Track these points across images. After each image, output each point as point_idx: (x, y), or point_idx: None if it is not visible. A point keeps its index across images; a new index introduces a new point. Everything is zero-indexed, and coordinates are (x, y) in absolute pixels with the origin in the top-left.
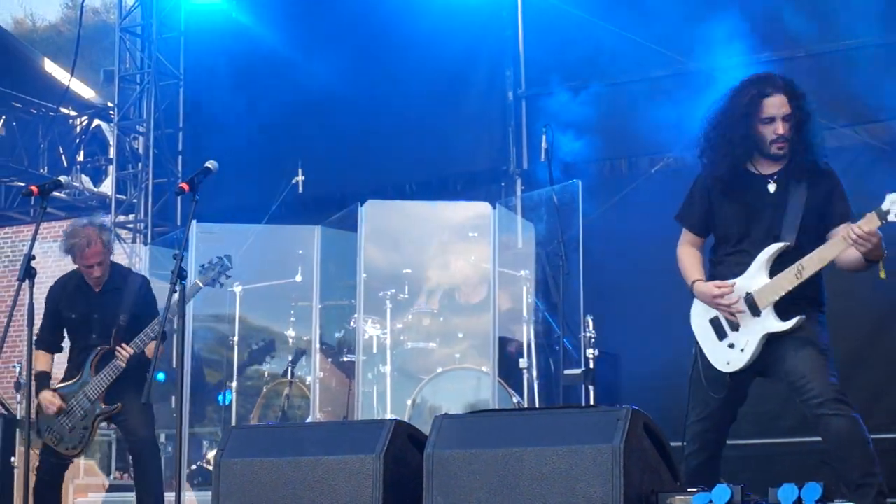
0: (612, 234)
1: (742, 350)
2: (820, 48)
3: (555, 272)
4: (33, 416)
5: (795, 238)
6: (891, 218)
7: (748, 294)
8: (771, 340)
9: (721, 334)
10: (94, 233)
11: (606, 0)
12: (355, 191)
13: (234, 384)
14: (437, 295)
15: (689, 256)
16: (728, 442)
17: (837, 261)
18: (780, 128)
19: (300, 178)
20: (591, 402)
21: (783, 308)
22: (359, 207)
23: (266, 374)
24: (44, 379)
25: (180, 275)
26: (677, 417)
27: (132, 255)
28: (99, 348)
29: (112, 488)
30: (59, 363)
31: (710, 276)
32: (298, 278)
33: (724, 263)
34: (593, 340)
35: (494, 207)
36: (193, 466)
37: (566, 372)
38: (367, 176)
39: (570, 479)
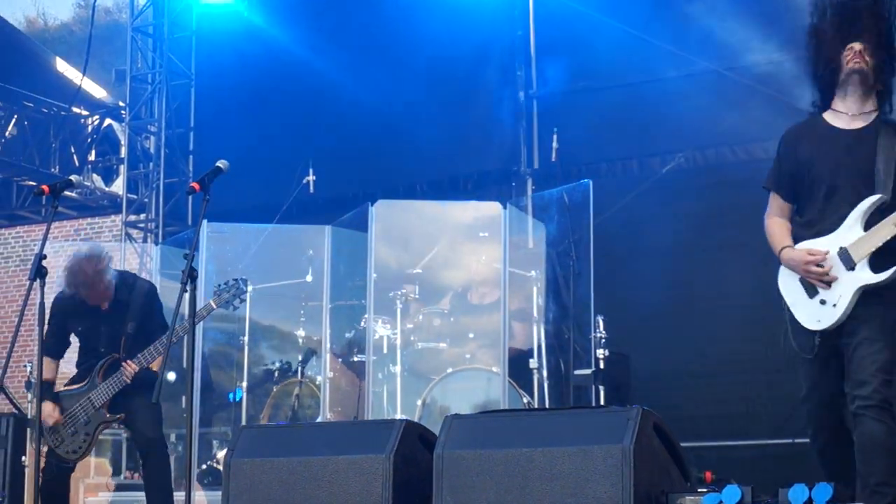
0: (623, 234)
1: (834, 305)
2: None
3: (565, 272)
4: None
5: (891, 191)
6: None
7: (842, 248)
8: (863, 303)
9: (812, 292)
10: (90, 270)
11: (619, 0)
12: (366, 191)
13: (245, 384)
14: (447, 295)
15: (777, 225)
16: (739, 442)
17: None
18: (860, 48)
19: (311, 177)
20: (602, 403)
21: (878, 264)
22: (369, 207)
23: (276, 373)
24: (47, 388)
25: (191, 275)
26: (687, 417)
27: (143, 254)
28: (109, 357)
29: (122, 487)
30: (68, 359)
31: (799, 238)
32: (309, 278)
33: (813, 226)
34: (603, 341)
35: (505, 207)
36: (204, 466)
37: (576, 372)
38: (378, 176)
39: (580, 480)
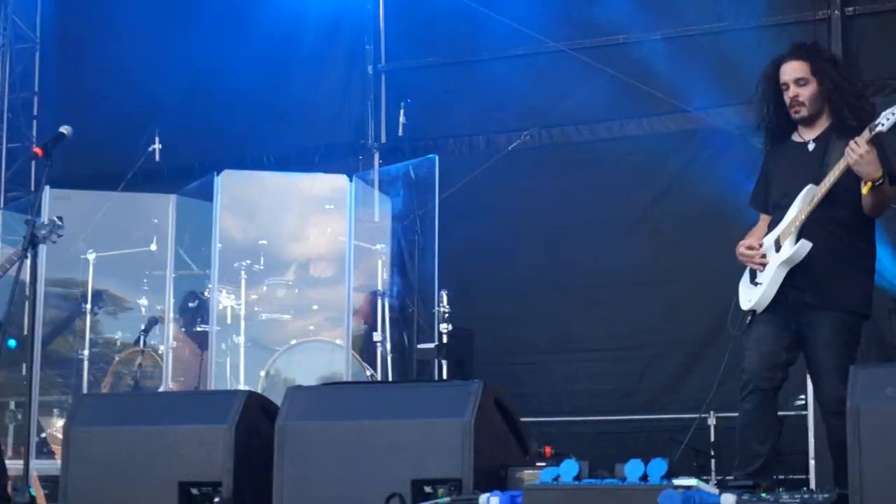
0: (469, 210)
1: (760, 283)
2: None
3: (410, 247)
4: None
5: (830, 186)
6: (878, 129)
7: (776, 237)
8: (798, 291)
9: (753, 277)
10: None
11: None
12: (213, 161)
13: (87, 353)
14: (292, 267)
15: (753, 232)
16: (581, 418)
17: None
18: (792, 91)
19: (157, 146)
20: (444, 377)
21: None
22: (215, 177)
23: (118, 342)
24: None
25: (32, 241)
26: (529, 393)
27: None
28: None
29: None
30: None
31: None
32: (153, 247)
33: (770, 228)
34: (447, 315)
35: (351, 180)
36: (43, 435)
37: (420, 346)
38: (226, 146)
39: (422, 452)
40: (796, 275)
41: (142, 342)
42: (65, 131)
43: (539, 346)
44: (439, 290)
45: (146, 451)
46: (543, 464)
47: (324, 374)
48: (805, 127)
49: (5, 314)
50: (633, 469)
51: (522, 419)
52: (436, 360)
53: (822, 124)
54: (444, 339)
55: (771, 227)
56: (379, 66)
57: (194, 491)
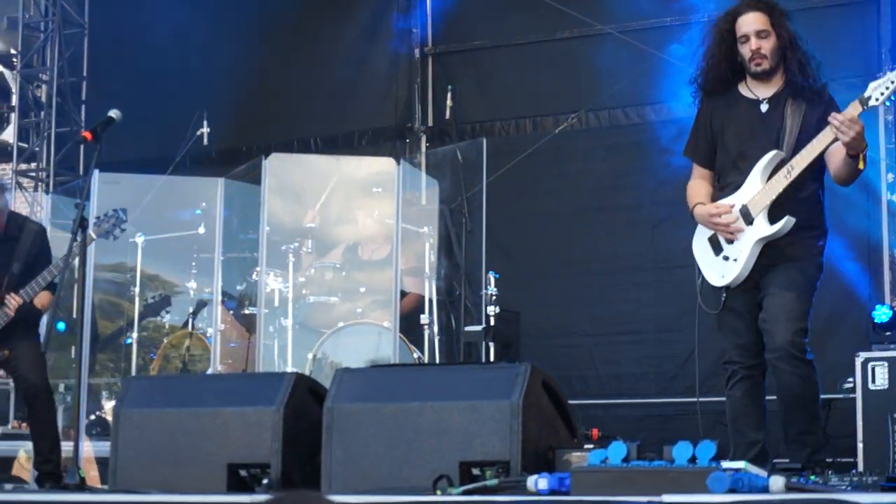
0: (516, 192)
1: (735, 260)
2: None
3: (457, 229)
4: None
5: (792, 152)
6: (871, 103)
7: (743, 205)
8: (766, 257)
9: (717, 249)
10: None
11: None
12: (260, 144)
13: (135, 335)
14: (339, 249)
15: (695, 186)
16: (626, 401)
17: (829, 165)
18: (754, 44)
19: (205, 130)
20: (491, 359)
21: (776, 216)
22: (263, 160)
23: (167, 325)
24: None
25: (81, 224)
26: (576, 376)
27: (34, 203)
28: None
29: (9, 437)
30: None
31: (715, 201)
32: (201, 230)
33: (725, 188)
34: (494, 298)
35: (399, 163)
36: (92, 416)
37: (467, 329)
38: (273, 130)
39: (469, 434)
40: (765, 246)
41: (190, 325)
42: (114, 115)
43: (584, 328)
44: (486, 272)
45: (195, 432)
46: (591, 446)
47: (371, 357)
48: (758, 81)
49: (56, 298)
50: (681, 451)
51: (568, 402)
52: (483, 343)
53: (777, 82)
54: (492, 322)
55: (724, 187)
56: (426, 49)
57: (243, 473)
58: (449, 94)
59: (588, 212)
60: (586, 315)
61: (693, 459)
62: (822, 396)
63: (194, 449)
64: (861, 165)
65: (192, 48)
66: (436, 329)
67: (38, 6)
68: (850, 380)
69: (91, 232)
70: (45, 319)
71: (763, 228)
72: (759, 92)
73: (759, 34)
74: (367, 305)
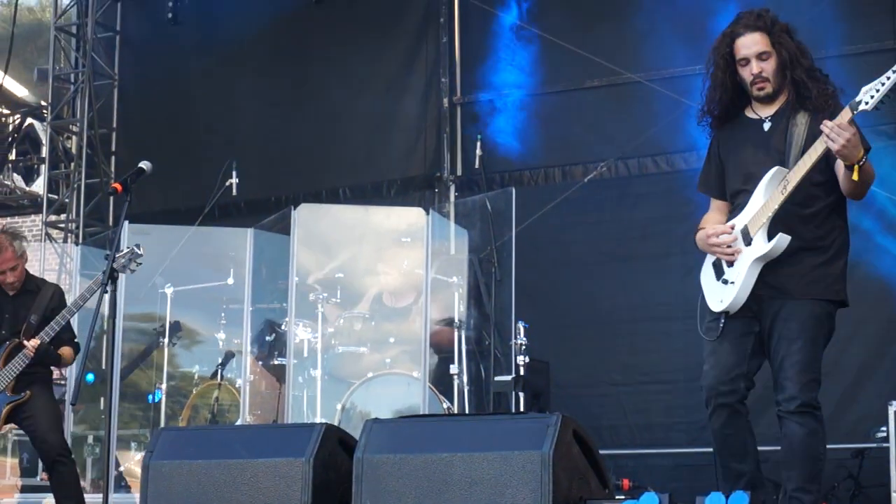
0: (545, 242)
1: (732, 283)
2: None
3: (487, 279)
4: None
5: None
6: (861, 107)
7: (743, 227)
8: (768, 287)
9: (719, 273)
10: (5, 240)
11: (543, 9)
12: (289, 195)
13: (164, 386)
14: (368, 300)
15: (706, 217)
16: (658, 451)
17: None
18: (755, 67)
19: (234, 180)
20: (521, 409)
21: (774, 235)
22: (292, 211)
23: (196, 376)
24: None
25: (112, 275)
26: (606, 425)
27: (63, 255)
28: (8, 343)
29: (38, 489)
30: None
31: None
32: (230, 281)
33: (733, 211)
34: (524, 347)
35: (428, 213)
36: (120, 469)
37: (496, 378)
38: (302, 180)
39: (500, 485)
40: (764, 268)
41: (219, 376)
42: (144, 167)
43: (614, 377)
44: (516, 322)
45: (224, 484)
46: (623, 497)
47: (400, 407)
48: (760, 103)
49: (86, 348)
50: (714, 502)
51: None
52: (512, 393)
53: (781, 99)
54: (521, 372)
55: (733, 210)
56: (454, 99)
57: None
58: (478, 144)
59: (617, 261)
60: (616, 364)
61: None
62: (856, 446)
63: (224, 501)
64: (855, 177)
65: (221, 99)
66: (465, 379)
67: (69, 58)
68: (884, 429)
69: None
70: (73, 371)
71: (759, 247)
72: (761, 112)
73: (760, 56)
74: (396, 356)
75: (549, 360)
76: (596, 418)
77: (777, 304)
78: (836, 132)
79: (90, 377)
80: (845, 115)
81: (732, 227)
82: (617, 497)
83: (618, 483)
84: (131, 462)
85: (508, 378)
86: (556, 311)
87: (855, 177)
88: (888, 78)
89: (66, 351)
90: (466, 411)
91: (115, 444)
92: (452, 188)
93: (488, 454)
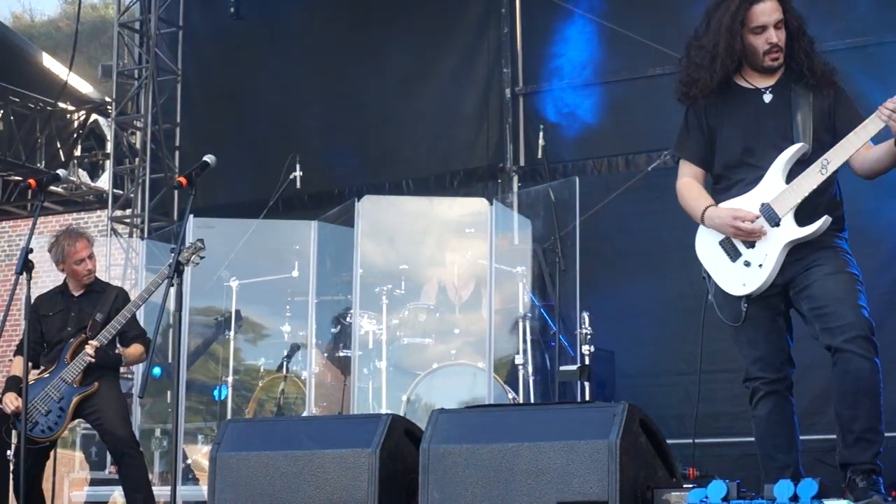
0: (609, 231)
1: (760, 266)
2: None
3: (551, 269)
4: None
5: (812, 145)
6: None
7: (764, 204)
8: (794, 259)
9: (734, 255)
10: (74, 232)
11: None
12: (353, 186)
13: (230, 379)
14: (433, 291)
15: (691, 188)
16: (725, 440)
17: (859, 157)
18: (774, 36)
19: (298, 173)
20: (587, 399)
21: (802, 217)
22: (356, 203)
23: (261, 369)
24: (14, 382)
25: (177, 269)
26: (673, 414)
27: (129, 249)
28: (73, 340)
29: (106, 482)
30: None
31: (717, 201)
32: (295, 273)
33: (733, 187)
34: (589, 337)
35: (491, 204)
36: (189, 461)
37: (562, 368)
38: (365, 172)
39: (566, 475)
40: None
41: (285, 368)
42: (209, 160)
43: (680, 367)
44: (581, 311)
45: (292, 475)
46: (690, 485)
47: (465, 398)
48: (759, 73)
49: (153, 343)
50: (782, 489)
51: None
52: (578, 382)
53: (778, 71)
54: (587, 361)
55: (731, 186)
56: (517, 89)
57: None
58: (541, 134)
59: (682, 249)
60: (681, 353)
61: (795, 498)
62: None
63: (291, 492)
64: None
65: (284, 92)
66: (530, 369)
67: (132, 54)
68: None
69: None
70: (141, 367)
71: (792, 230)
72: (758, 82)
73: (777, 25)
74: (461, 347)
75: (614, 350)
76: (662, 408)
77: (806, 258)
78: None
79: (157, 371)
80: None
81: (756, 216)
82: (685, 486)
83: (685, 472)
84: (199, 455)
85: (574, 368)
86: (620, 300)
87: None
88: None
89: (132, 350)
90: (532, 401)
91: (182, 437)
92: (515, 178)
93: (554, 444)
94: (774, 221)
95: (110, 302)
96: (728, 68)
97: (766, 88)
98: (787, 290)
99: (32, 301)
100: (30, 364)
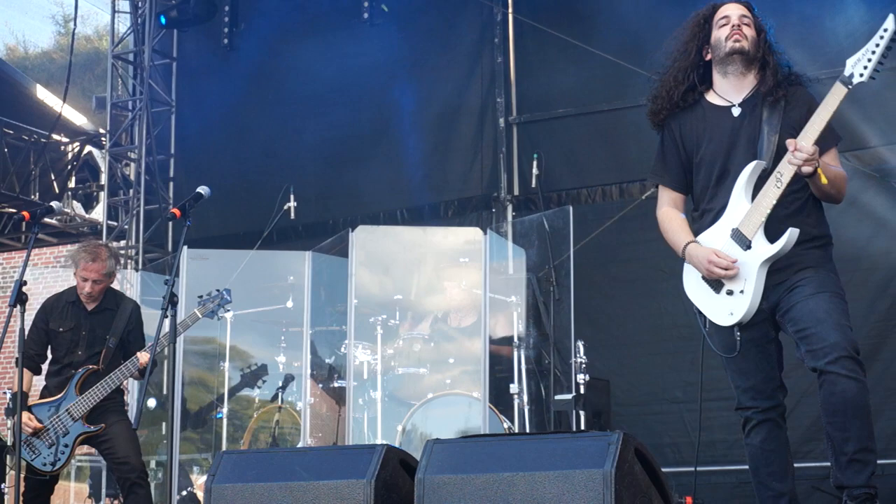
0: (603, 260)
1: (742, 291)
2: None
3: (545, 298)
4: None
5: (773, 159)
6: (857, 80)
7: (733, 230)
8: (776, 282)
9: (717, 286)
10: (104, 253)
11: (596, 27)
12: (347, 217)
13: (225, 409)
14: (428, 320)
15: (672, 220)
16: (721, 468)
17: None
18: (735, 21)
19: (292, 204)
20: (582, 428)
21: (774, 232)
22: (350, 233)
23: (256, 400)
24: (22, 399)
25: (171, 300)
26: (668, 442)
27: (123, 280)
28: (86, 368)
29: None
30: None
31: (698, 232)
32: (289, 304)
33: (706, 213)
34: (584, 366)
35: (485, 233)
36: (184, 492)
37: (557, 397)
38: (359, 202)
39: None
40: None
41: (280, 399)
42: (202, 192)
43: (675, 395)
44: (575, 340)
45: None
46: None
47: (461, 428)
48: (727, 81)
49: (148, 373)
50: None
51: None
52: (573, 412)
53: (749, 84)
54: (582, 390)
55: (704, 213)
56: (510, 119)
57: None
58: (534, 163)
59: (676, 277)
60: (677, 381)
61: None
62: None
63: None
64: (823, 180)
65: (278, 124)
66: (525, 398)
67: (126, 85)
68: None
69: (196, 311)
70: (135, 397)
71: (764, 249)
72: (729, 96)
73: (742, 19)
74: (456, 376)
75: (610, 379)
76: (658, 436)
77: (789, 280)
78: (795, 155)
79: (152, 403)
80: (839, 92)
81: (734, 261)
82: None
83: (681, 501)
84: (193, 486)
85: (569, 397)
86: (615, 329)
87: (822, 180)
88: (877, 45)
89: (145, 358)
90: (527, 431)
91: (178, 468)
92: (510, 208)
93: (550, 473)
94: (745, 245)
95: (123, 324)
96: (692, 78)
97: (735, 103)
98: (774, 314)
99: (43, 304)
100: (31, 374)
